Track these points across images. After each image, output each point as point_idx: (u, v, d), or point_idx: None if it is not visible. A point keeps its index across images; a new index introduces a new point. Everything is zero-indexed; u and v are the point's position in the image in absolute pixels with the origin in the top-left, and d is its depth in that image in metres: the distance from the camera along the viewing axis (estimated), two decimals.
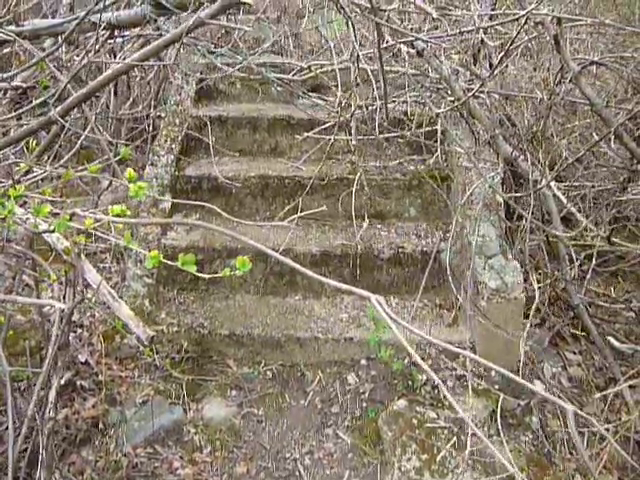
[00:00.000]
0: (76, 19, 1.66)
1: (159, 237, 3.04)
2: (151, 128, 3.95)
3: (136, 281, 2.92)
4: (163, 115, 3.65)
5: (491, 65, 2.12)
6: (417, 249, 2.99)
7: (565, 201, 2.04)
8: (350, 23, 1.73)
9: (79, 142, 2.59)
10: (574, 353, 2.90)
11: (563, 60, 1.62)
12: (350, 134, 3.18)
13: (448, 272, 2.79)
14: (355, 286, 1.45)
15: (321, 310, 2.89)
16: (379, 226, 3.20)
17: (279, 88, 3.56)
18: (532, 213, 2.19)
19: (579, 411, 1.37)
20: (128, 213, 1.36)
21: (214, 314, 2.85)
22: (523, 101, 2.31)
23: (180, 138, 3.41)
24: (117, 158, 1.82)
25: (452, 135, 2.89)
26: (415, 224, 3.21)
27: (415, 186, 3.22)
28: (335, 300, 2.96)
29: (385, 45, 1.84)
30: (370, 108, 2.56)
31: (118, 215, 1.32)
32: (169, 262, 1.50)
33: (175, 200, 3.15)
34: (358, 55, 1.82)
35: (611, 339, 2.76)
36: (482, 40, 1.83)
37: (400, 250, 2.98)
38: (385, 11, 1.67)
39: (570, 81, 1.72)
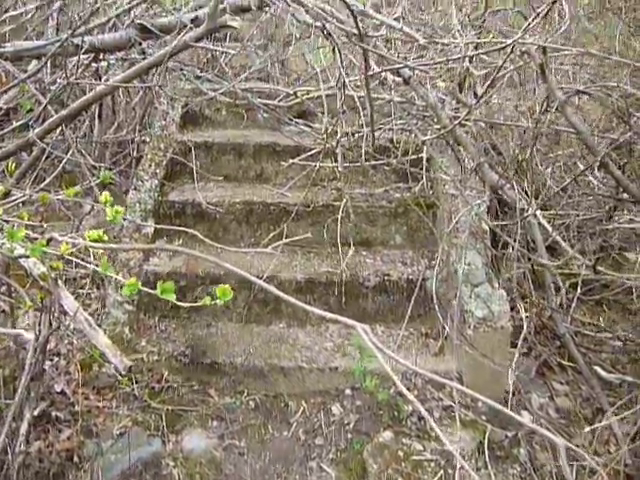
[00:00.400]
0: (59, 41, 1.64)
1: (141, 263, 2.98)
2: (135, 152, 3.92)
3: (116, 308, 2.86)
4: (148, 140, 3.63)
5: (476, 94, 2.12)
6: (403, 277, 2.96)
7: (550, 230, 2.03)
8: (337, 49, 1.72)
9: (60, 165, 2.56)
10: (561, 383, 2.86)
11: (549, 89, 1.62)
12: (336, 161, 3.17)
13: (434, 300, 2.77)
14: (341, 314, 1.42)
15: (306, 339, 2.84)
16: (365, 253, 3.17)
17: (265, 114, 3.56)
18: (518, 241, 2.17)
19: (570, 445, 1.33)
20: (105, 238, 1.32)
21: (196, 342, 2.79)
22: (508, 130, 2.32)
23: (165, 163, 3.38)
24: (98, 181, 1.77)
25: (438, 162, 2.90)
26: (401, 252, 3.18)
27: (401, 213, 3.21)
28: (320, 328, 2.91)
29: (372, 72, 1.84)
30: (356, 135, 2.55)
31: (96, 240, 1.27)
32: (148, 290, 1.45)
33: (158, 225, 3.11)
34: (344, 82, 1.81)
35: (598, 369, 2.75)
36: (467, 69, 1.84)
37: (386, 278, 2.95)
38: (372, 37, 1.67)
39: (556, 110, 1.72)
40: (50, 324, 1.65)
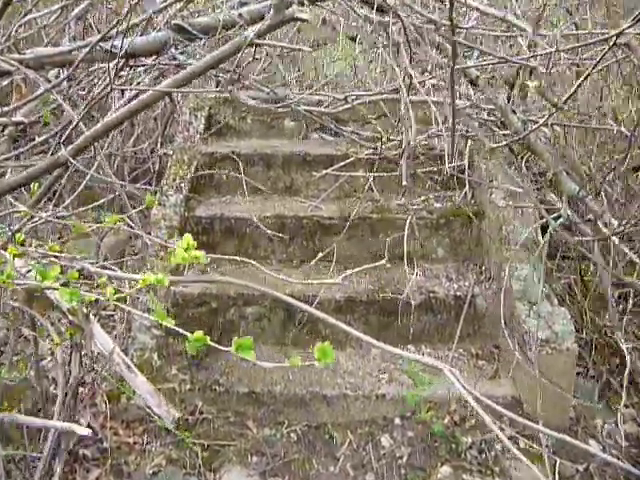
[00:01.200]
0: (86, 46, 1.46)
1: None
2: (156, 166, 3.75)
3: (143, 333, 2.66)
4: (170, 152, 3.45)
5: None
6: (449, 293, 2.75)
7: (634, 257, 1.81)
8: (404, 46, 1.53)
9: (83, 183, 2.38)
10: (626, 406, 2.63)
11: None
12: (371, 171, 2.99)
13: (485, 319, 2.56)
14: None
15: (348, 362, 2.63)
16: (406, 268, 2.97)
17: (292, 122, 3.37)
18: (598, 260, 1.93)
19: None
20: (166, 283, 1.13)
21: (230, 369, 2.59)
22: (584, 135, 2.11)
23: (189, 176, 3.20)
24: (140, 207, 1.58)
25: (482, 169, 2.69)
26: (444, 265, 2.98)
27: (443, 225, 3.00)
28: (362, 351, 2.70)
29: (428, 77, 1.64)
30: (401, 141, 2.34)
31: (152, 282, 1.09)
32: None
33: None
34: (410, 83, 1.61)
35: None
36: (553, 65, 1.63)
37: (431, 295, 2.74)
38: (463, 30, 1.46)
39: None
40: (81, 364, 1.46)
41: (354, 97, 2.26)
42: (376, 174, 2.95)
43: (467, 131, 2.15)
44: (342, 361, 2.65)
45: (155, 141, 3.63)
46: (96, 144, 1.60)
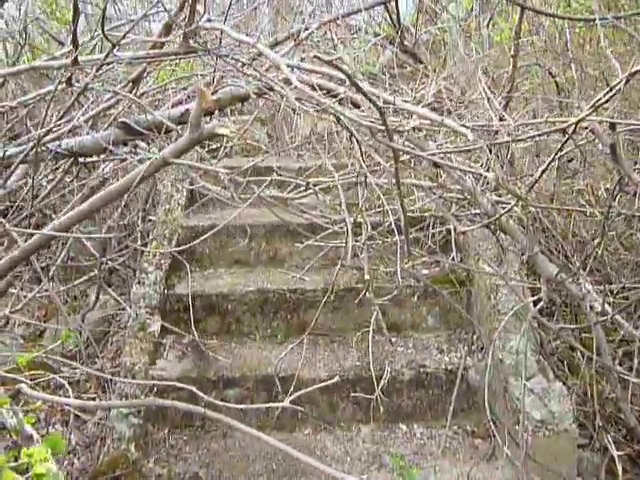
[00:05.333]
0: (33, 147, 1.40)
1: (147, 367, 2.68)
2: (140, 240, 3.68)
3: (121, 421, 2.53)
4: (152, 226, 3.39)
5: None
6: (440, 367, 2.63)
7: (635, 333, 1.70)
8: (357, 143, 1.47)
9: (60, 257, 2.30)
10: None
11: (623, 172, 1.35)
12: (356, 240, 2.90)
13: (479, 393, 2.42)
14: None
15: (335, 447, 2.48)
16: (395, 340, 2.85)
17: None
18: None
19: None
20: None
21: (211, 459, 2.45)
22: (568, 213, 2.02)
23: (170, 251, 3.12)
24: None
25: (469, 238, 2.60)
26: (435, 335, 2.86)
27: (432, 292, 2.89)
28: (351, 432, 2.56)
29: (402, 158, 1.57)
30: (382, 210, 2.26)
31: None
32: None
33: (164, 322, 2.83)
34: (366, 176, 1.55)
35: None
36: (513, 154, 1.57)
37: (422, 370, 2.62)
38: (402, 133, 1.41)
39: (635, 195, 1.45)
40: None
41: (315, 183, 2.20)
42: (356, 242, 2.86)
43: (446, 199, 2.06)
44: (329, 445, 2.50)
45: (137, 214, 3.57)
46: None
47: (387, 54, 3.59)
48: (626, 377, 2.24)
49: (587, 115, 1.20)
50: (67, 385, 2.31)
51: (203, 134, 1.23)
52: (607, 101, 1.21)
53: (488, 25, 3.95)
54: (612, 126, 1.30)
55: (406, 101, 1.49)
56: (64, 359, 2.77)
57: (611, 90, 1.20)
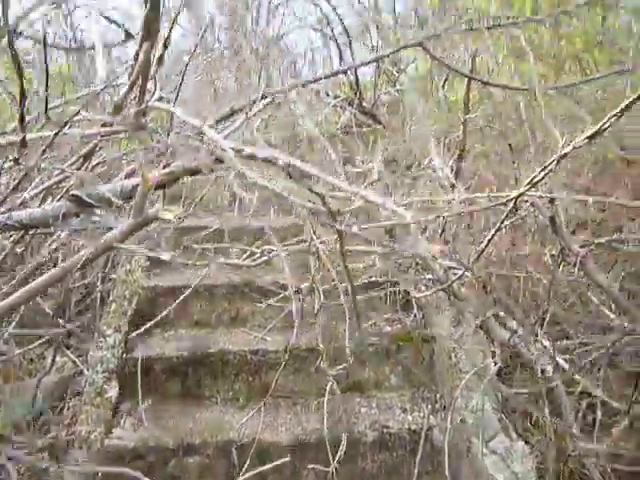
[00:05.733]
0: None
1: (103, 437, 2.58)
2: (99, 301, 3.61)
3: None
4: (112, 286, 3.34)
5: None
6: (404, 427, 2.60)
7: (595, 393, 1.72)
8: (307, 215, 1.50)
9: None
10: None
11: (564, 243, 1.40)
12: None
13: (443, 454, 2.39)
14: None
15: None
16: (358, 399, 2.82)
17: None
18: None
19: None
20: None
21: None
22: (514, 278, 2.08)
23: (129, 313, 3.07)
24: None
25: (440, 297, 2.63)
26: (398, 394, 2.83)
27: (394, 351, 2.89)
28: None
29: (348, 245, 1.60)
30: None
31: None
32: None
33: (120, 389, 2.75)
34: (317, 248, 1.58)
35: None
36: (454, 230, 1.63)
37: (385, 430, 2.58)
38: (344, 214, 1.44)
39: (575, 265, 1.50)
40: None
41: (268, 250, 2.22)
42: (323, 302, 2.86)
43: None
44: None
45: (97, 275, 3.51)
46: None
47: (347, 114, 3.69)
48: (583, 443, 2.25)
49: (526, 191, 1.26)
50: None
51: (148, 218, 1.24)
52: (542, 178, 1.27)
53: (444, 86, 4.10)
54: (551, 200, 1.36)
55: (358, 170, 1.53)
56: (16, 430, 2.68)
57: (545, 169, 1.26)
